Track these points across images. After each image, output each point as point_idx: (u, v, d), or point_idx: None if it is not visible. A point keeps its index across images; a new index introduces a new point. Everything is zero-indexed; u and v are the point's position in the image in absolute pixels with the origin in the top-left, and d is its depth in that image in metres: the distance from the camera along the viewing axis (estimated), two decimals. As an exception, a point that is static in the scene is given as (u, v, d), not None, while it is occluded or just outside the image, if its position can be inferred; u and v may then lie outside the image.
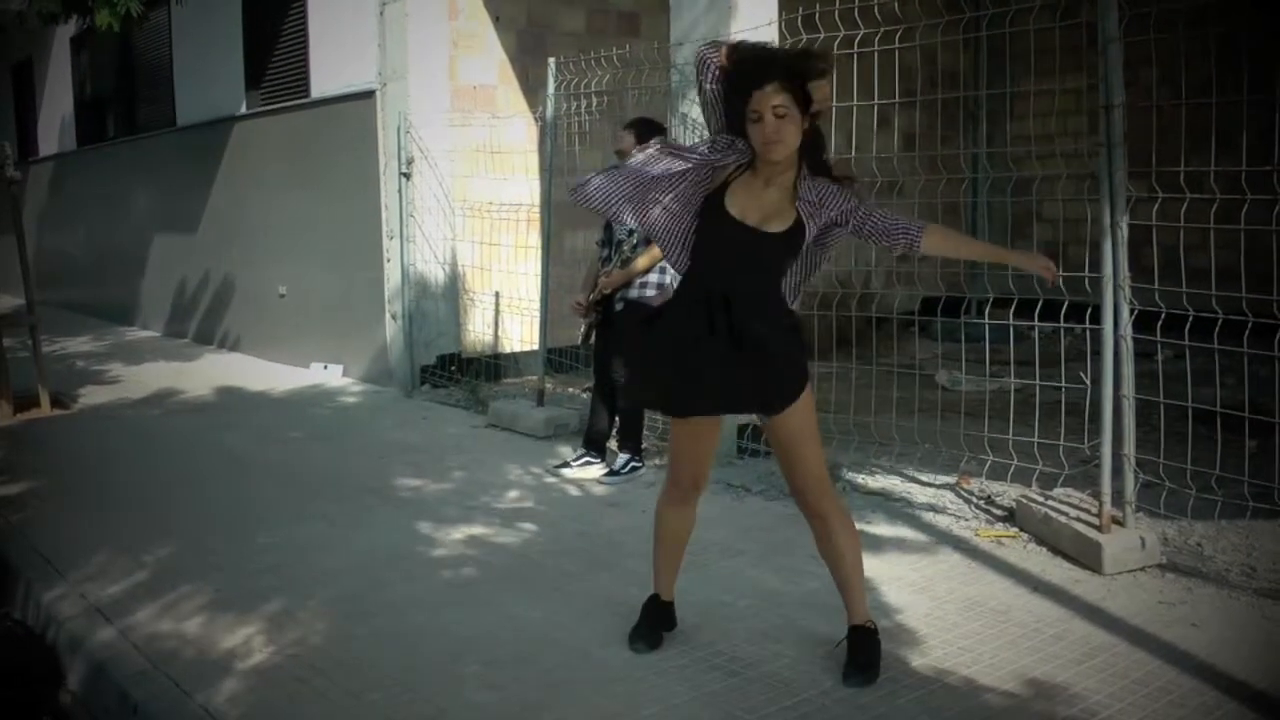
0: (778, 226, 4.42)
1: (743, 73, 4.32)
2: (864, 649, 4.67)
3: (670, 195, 4.49)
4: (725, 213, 4.44)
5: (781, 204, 4.44)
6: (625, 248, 7.71)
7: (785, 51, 4.69)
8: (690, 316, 4.51)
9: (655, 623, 5.07)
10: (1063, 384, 6.62)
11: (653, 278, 7.68)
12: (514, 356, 11.43)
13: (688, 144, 4.83)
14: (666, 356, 4.56)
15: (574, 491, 7.64)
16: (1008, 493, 6.87)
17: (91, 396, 11.61)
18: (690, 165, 4.47)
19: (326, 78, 12.30)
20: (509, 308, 11.12)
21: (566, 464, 8.08)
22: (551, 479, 7.92)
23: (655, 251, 7.62)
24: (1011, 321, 6.89)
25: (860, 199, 4.52)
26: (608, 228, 7.96)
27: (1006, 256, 4.83)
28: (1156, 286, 5.91)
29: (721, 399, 4.56)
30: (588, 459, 8.01)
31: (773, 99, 4.24)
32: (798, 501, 4.76)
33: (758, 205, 4.43)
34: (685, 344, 4.50)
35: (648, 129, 7.78)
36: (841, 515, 4.73)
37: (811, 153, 4.46)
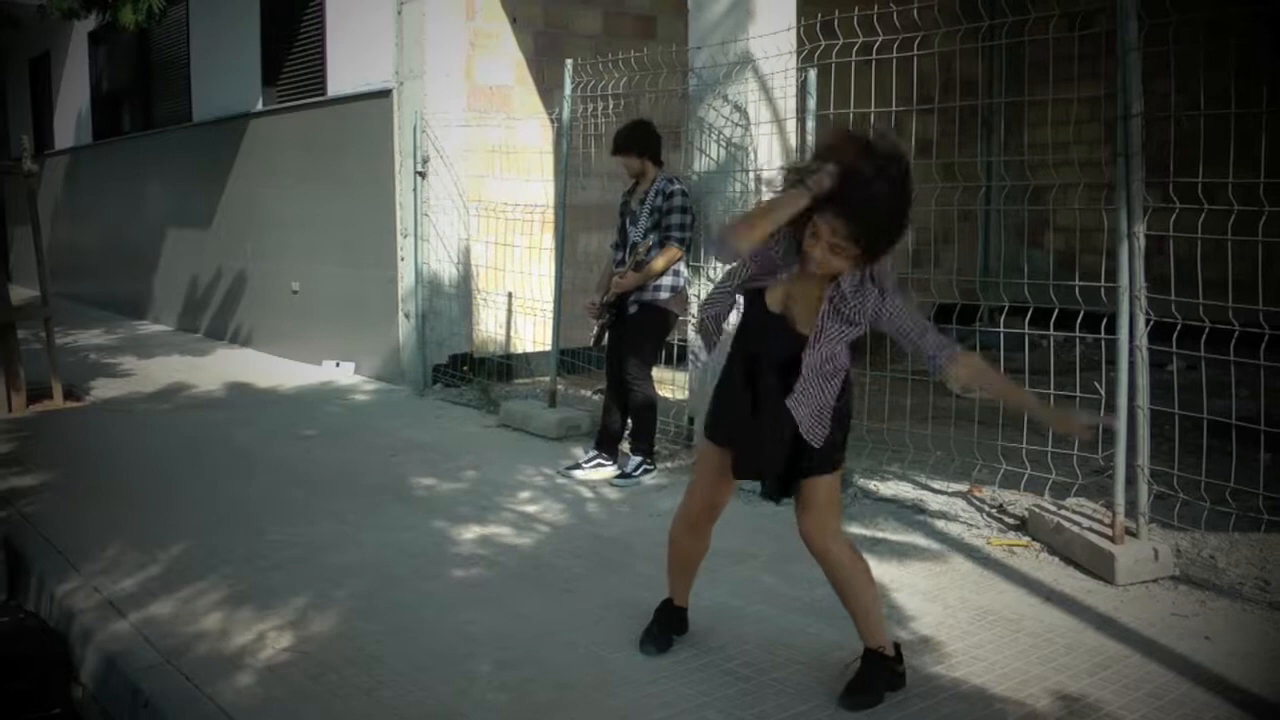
0: (805, 329, 4.39)
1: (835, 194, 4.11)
2: (866, 672, 4.60)
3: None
4: (762, 298, 4.48)
5: (816, 301, 4.39)
6: (640, 249, 7.71)
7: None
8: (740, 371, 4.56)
9: (666, 626, 5.07)
10: (1077, 394, 6.60)
11: (666, 280, 7.69)
12: (526, 357, 11.44)
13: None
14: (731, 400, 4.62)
15: (585, 493, 7.64)
16: (1020, 502, 6.86)
17: (104, 390, 11.64)
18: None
19: (343, 76, 12.32)
20: (522, 308, 11.12)
21: (578, 465, 8.08)
22: (563, 480, 7.92)
23: (671, 253, 7.63)
24: (1026, 330, 6.88)
25: (899, 295, 4.41)
26: (622, 229, 7.97)
27: (1040, 412, 4.67)
28: (1173, 297, 5.90)
29: (760, 459, 4.57)
30: (599, 460, 8.01)
31: (826, 237, 4.15)
32: (809, 548, 4.73)
33: (796, 296, 4.42)
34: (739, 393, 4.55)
35: (637, 140, 7.83)
36: (845, 556, 4.66)
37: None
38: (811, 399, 4.42)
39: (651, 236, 7.70)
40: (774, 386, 4.41)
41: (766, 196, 4.63)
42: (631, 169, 7.92)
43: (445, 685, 4.72)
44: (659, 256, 7.65)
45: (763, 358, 4.44)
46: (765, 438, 4.45)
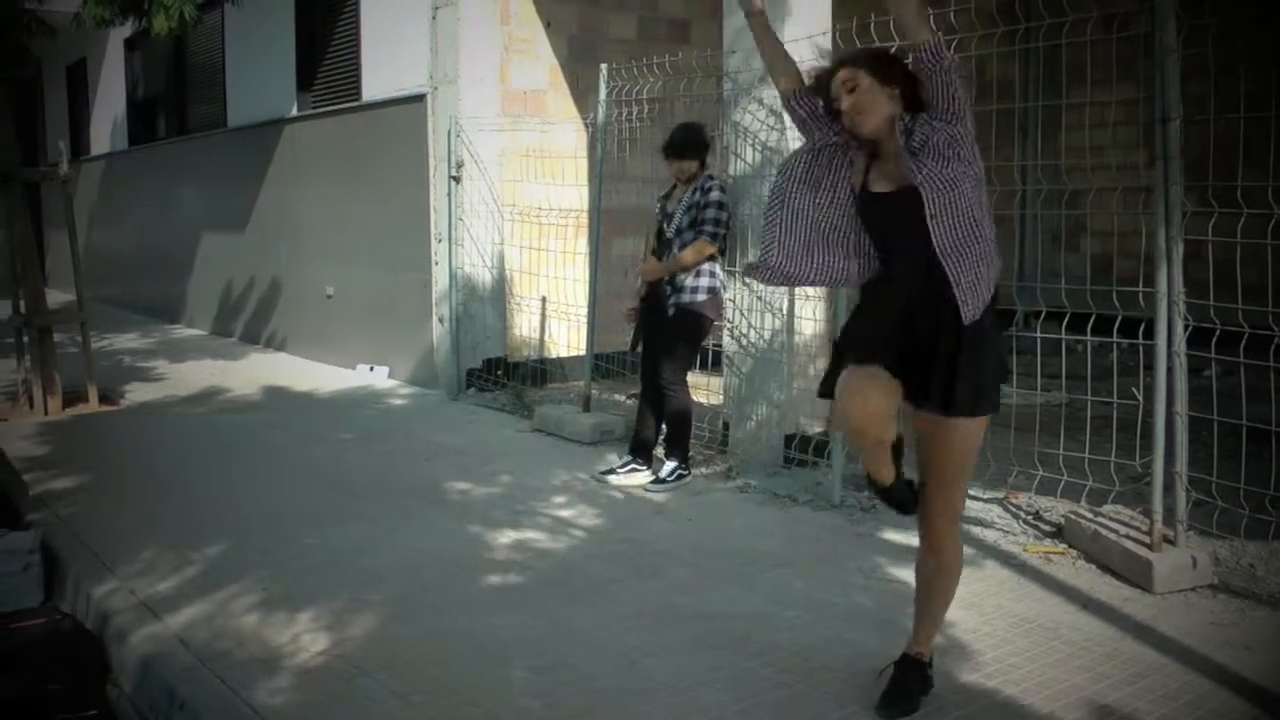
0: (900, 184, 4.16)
1: (817, 78, 4.32)
2: (906, 680, 4.51)
3: (829, 225, 4.35)
4: (869, 192, 4.28)
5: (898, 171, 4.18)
6: (675, 246, 7.70)
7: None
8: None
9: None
10: (1114, 399, 6.56)
11: (703, 282, 7.67)
12: (560, 361, 11.44)
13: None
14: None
15: (619, 498, 7.63)
16: (1056, 508, 6.83)
17: (138, 393, 11.70)
18: (809, 151, 4.40)
19: (378, 81, 12.35)
20: (556, 312, 11.12)
21: (612, 470, 8.07)
22: (597, 485, 7.91)
23: (701, 246, 7.61)
24: (1063, 335, 6.84)
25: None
26: (660, 232, 7.95)
27: None
28: (1211, 302, 5.86)
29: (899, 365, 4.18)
30: (634, 466, 8.00)
31: (840, 77, 4.17)
32: (922, 529, 4.49)
33: (886, 176, 4.24)
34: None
35: (694, 144, 7.80)
36: (956, 556, 4.51)
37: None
38: (960, 246, 4.07)
39: (687, 234, 7.69)
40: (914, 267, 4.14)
41: None
42: (686, 172, 7.87)
43: (479, 690, 4.71)
44: (689, 249, 7.63)
45: (892, 252, 4.24)
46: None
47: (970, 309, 4.05)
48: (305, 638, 5.26)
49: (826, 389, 4.34)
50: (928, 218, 4.01)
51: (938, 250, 4.03)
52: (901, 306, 4.20)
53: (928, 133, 4.04)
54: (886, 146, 4.22)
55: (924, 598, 4.54)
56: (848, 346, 4.35)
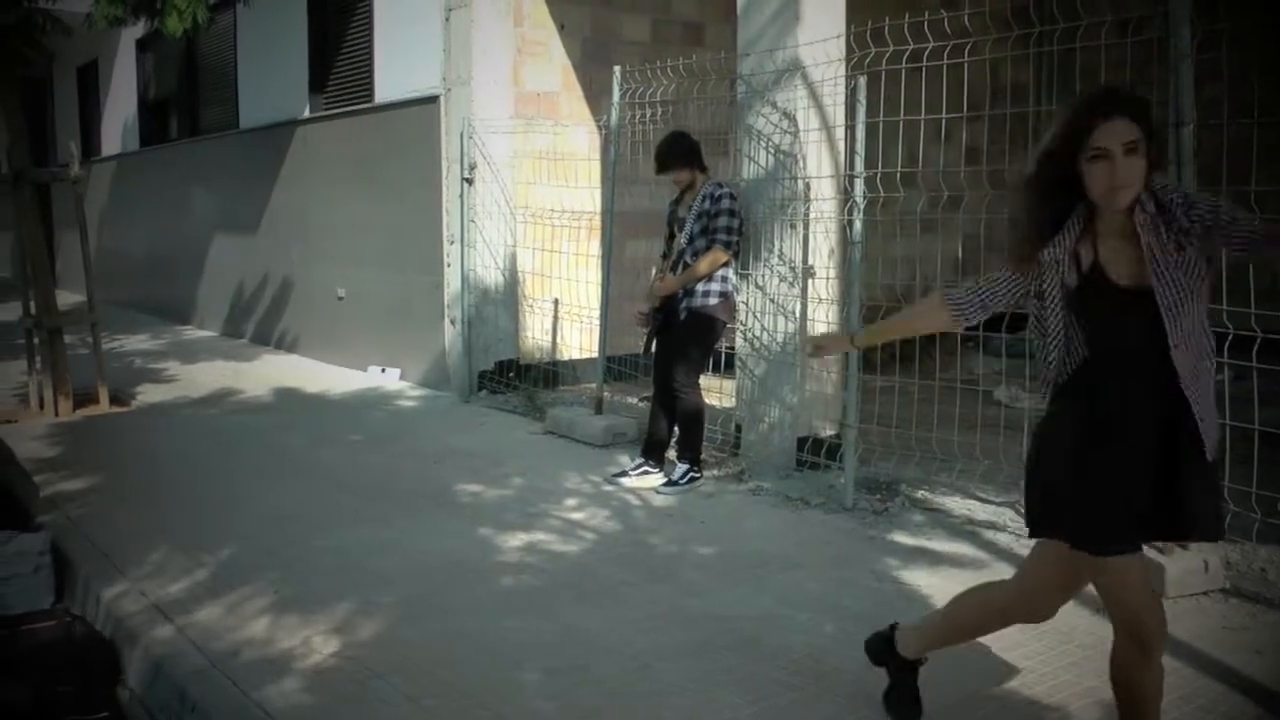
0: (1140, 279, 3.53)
1: (1082, 105, 3.58)
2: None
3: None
4: (1102, 277, 3.59)
5: (1131, 246, 3.56)
6: (687, 255, 7.71)
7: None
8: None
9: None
10: (1126, 403, 6.55)
11: (715, 286, 7.68)
12: (572, 364, 11.44)
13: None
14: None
15: (632, 501, 7.63)
16: (1069, 512, 6.81)
17: (150, 394, 11.72)
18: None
19: (391, 82, 12.36)
20: (568, 315, 11.12)
21: (625, 473, 8.07)
22: (609, 488, 7.91)
23: (715, 256, 7.61)
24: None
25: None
26: (670, 237, 7.97)
27: None
28: (1224, 306, 5.85)
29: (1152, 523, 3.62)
30: (646, 468, 8.00)
31: (1124, 134, 3.43)
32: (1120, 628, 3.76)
33: (1124, 260, 3.57)
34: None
35: (677, 154, 7.82)
36: (1161, 644, 3.73)
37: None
38: (1200, 377, 3.54)
39: (699, 242, 7.70)
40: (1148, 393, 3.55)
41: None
42: (682, 181, 7.91)
43: (491, 693, 4.72)
44: (703, 259, 7.64)
45: (1123, 358, 3.60)
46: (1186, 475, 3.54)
47: (1209, 441, 3.55)
48: (316, 639, 5.27)
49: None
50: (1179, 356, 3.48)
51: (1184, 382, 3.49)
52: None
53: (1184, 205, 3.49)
54: (1121, 223, 3.57)
55: (1125, 697, 3.82)
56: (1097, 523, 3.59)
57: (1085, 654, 5.00)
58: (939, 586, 5.87)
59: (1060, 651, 5.04)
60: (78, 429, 10.22)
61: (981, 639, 5.07)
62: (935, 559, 6.31)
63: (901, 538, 6.71)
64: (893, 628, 4.54)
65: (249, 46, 15.67)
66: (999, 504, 7.13)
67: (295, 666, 5.00)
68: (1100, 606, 5.49)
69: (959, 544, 6.57)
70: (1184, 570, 5.70)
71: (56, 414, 10.61)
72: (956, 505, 7.19)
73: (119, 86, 20.82)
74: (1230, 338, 5.84)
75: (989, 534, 6.72)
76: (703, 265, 7.65)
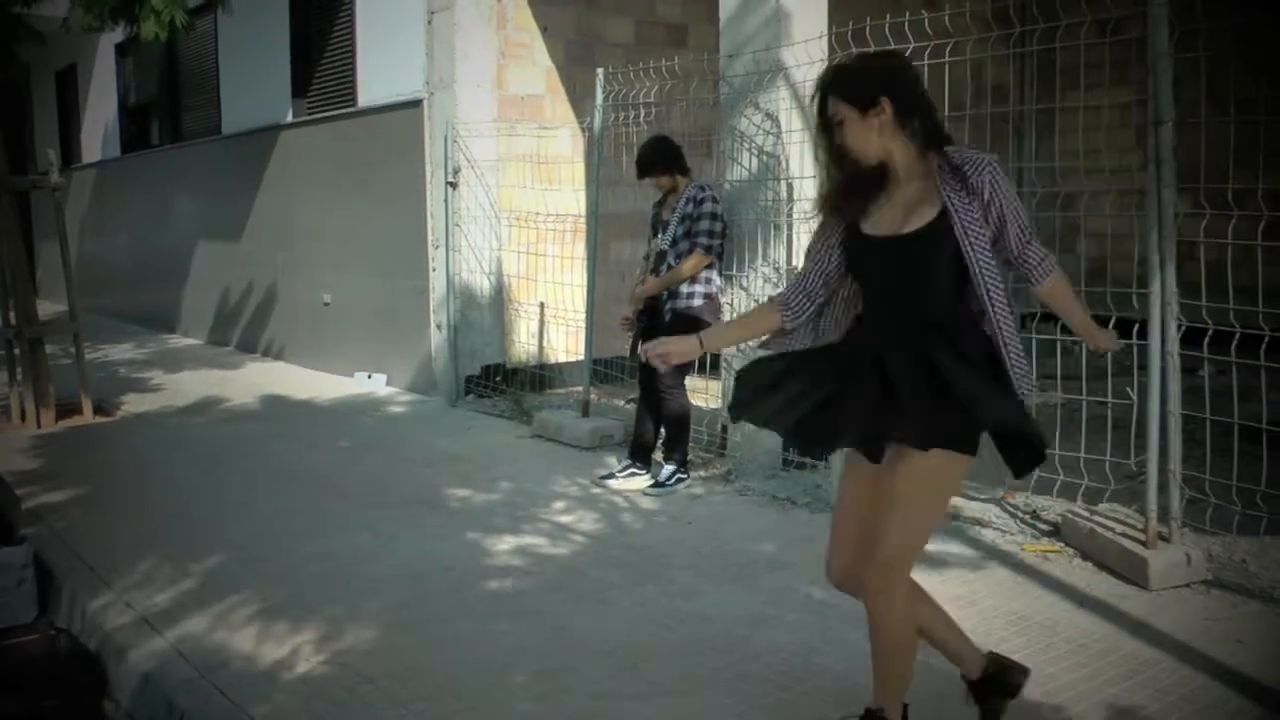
0: (914, 225, 3.81)
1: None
2: None
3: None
4: (859, 234, 3.92)
5: (916, 201, 3.83)
6: (670, 257, 7.74)
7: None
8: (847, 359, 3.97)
9: None
10: (1109, 399, 6.60)
11: (699, 288, 7.71)
12: (558, 367, 11.46)
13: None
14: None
15: (619, 503, 7.65)
16: (1053, 508, 6.86)
17: (134, 404, 11.71)
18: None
19: (374, 87, 12.38)
20: (554, 318, 11.14)
21: (612, 475, 8.09)
22: (597, 490, 7.93)
23: (697, 259, 7.64)
24: (1058, 336, 6.87)
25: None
26: (653, 238, 7.99)
27: (1093, 333, 4.14)
28: (1204, 303, 5.90)
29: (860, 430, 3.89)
30: (633, 470, 8.03)
31: (835, 109, 3.83)
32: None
33: (890, 212, 3.87)
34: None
35: (657, 159, 7.85)
36: (893, 618, 4.03)
37: (921, 133, 3.84)
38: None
39: (682, 244, 7.73)
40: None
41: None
42: (663, 186, 7.94)
43: (482, 696, 4.74)
44: (685, 262, 7.67)
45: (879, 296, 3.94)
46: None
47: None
48: (306, 647, 5.28)
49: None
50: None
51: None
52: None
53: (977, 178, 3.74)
54: (908, 184, 3.88)
55: (873, 654, 4.18)
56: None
57: (1069, 648, 5.05)
58: (925, 583, 5.87)
59: (1045, 645, 5.08)
60: (61, 440, 10.21)
61: (970, 635, 5.12)
62: (922, 556, 6.33)
63: (888, 536, 6.74)
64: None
65: (230, 51, 15.65)
66: (984, 500, 7.17)
67: (284, 675, 5.01)
68: (1081, 601, 5.58)
69: (946, 541, 6.60)
70: (1167, 563, 5.75)
71: (39, 425, 10.55)
72: (942, 503, 7.22)
73: (99, 92, 20.78)
74: (1210, 333, 5.90)
75: (974, 530, 6.76)
76: (685, 268, 7.67)
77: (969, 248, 3.72)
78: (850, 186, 3.94)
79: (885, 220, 3.87)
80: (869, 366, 3.85)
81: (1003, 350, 3.79)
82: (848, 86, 3.86)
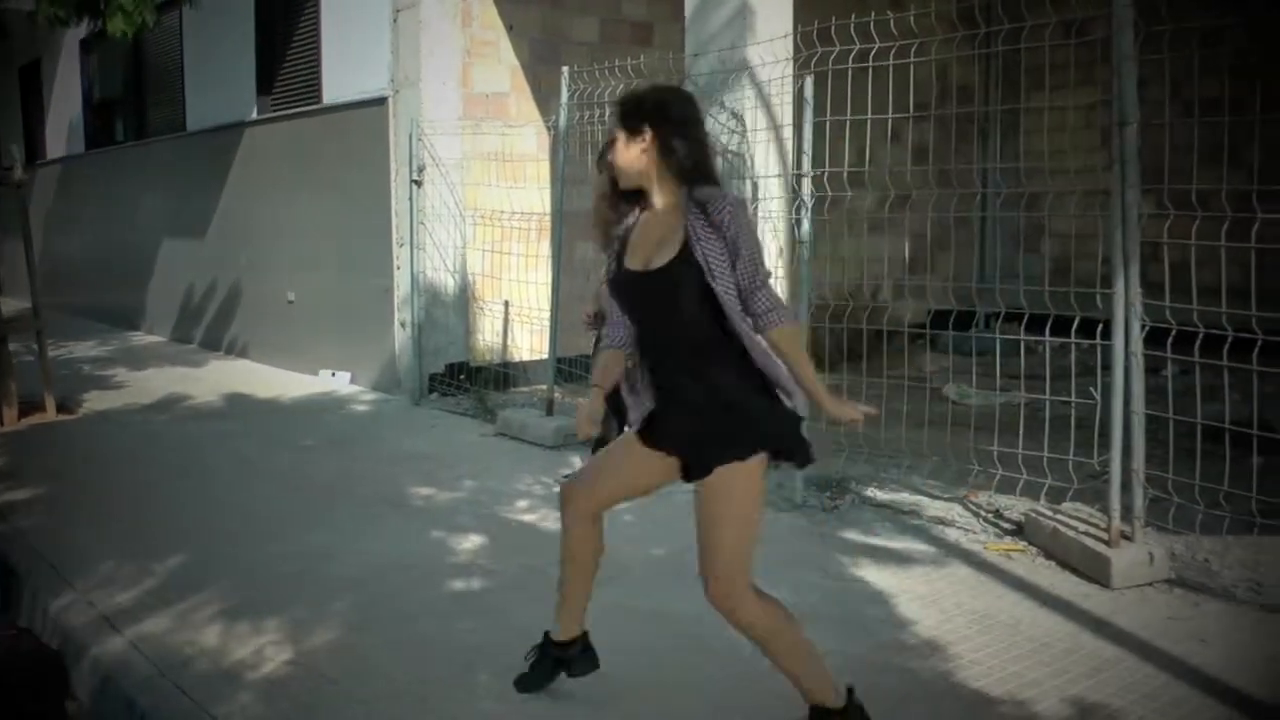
0: (661, 260, 4.05)
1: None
2: None
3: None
4: (621, 267, 4.25)
5: (666, 235, 4.07)
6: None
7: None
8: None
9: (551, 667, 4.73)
10: (1072, 399, 6.63)
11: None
12: (523, 365, 11.45)
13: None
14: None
15: (583, 501, 7.62)
16: (1016, 507, 6.89)
17: (97, 401, 11.63)
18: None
19: (338, 84, 12.33)
20: (518, 316, 11.12)
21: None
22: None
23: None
24: (1022, 336, 6.90)
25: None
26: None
27: (820, 397, 4.14)
28: (1167, 303, 5.92)
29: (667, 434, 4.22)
30: (596, 468, 8.00)
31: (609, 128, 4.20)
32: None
33: (643, 246, 4.16)
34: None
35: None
36: (751, 615, 4.15)
37: (678, 168, 4.10)
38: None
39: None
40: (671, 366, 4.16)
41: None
42: None
43: (445, 696, 4.73)
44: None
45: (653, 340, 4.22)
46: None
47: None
48: (270, 647, 5.25)
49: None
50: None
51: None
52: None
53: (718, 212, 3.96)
54: (661, 213, 4.17)
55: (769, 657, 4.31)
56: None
57: (1032, 646, 5.06)
58: (888, 582, 5.92)
59: (1008, 644, 5.10)
60: (23, 438, 10.13)
61: (933, 634, 5.14)
62: (885, 555, 6.36)
63: (852, 535, 6.75)
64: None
65: (195, 47, 15.57)
66: (948, 499, 7.19)
67: (248, 675, 4.98)
68: (1044, 599, 5.60)
69: (909, 540, 6.62)
70: (1130, 562, 5.77)
71: (1, 423, 10.47)
72: (906, 501, 7.25)
73: (63, 87, 20.62)
74: (1173, 334, 5.93)
75: (937, 529, 6.78)
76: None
77: (712, 280, 3.93)
78: (611, 198, 4.36)
79: (639, 254, 4.15)
80: (651, 387, 4.24)
81: (765, 369, 4.02)
82: (622, 110, 4.21)
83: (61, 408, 11.06)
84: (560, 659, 4.68)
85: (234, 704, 4.70)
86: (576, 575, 4.68)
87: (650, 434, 4.28)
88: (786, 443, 4.13)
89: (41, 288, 11.49)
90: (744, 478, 4.04)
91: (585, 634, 4.70)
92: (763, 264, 4.02)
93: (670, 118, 4.10)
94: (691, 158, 4.07)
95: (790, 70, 7.67)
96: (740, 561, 4.14)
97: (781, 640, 4.20)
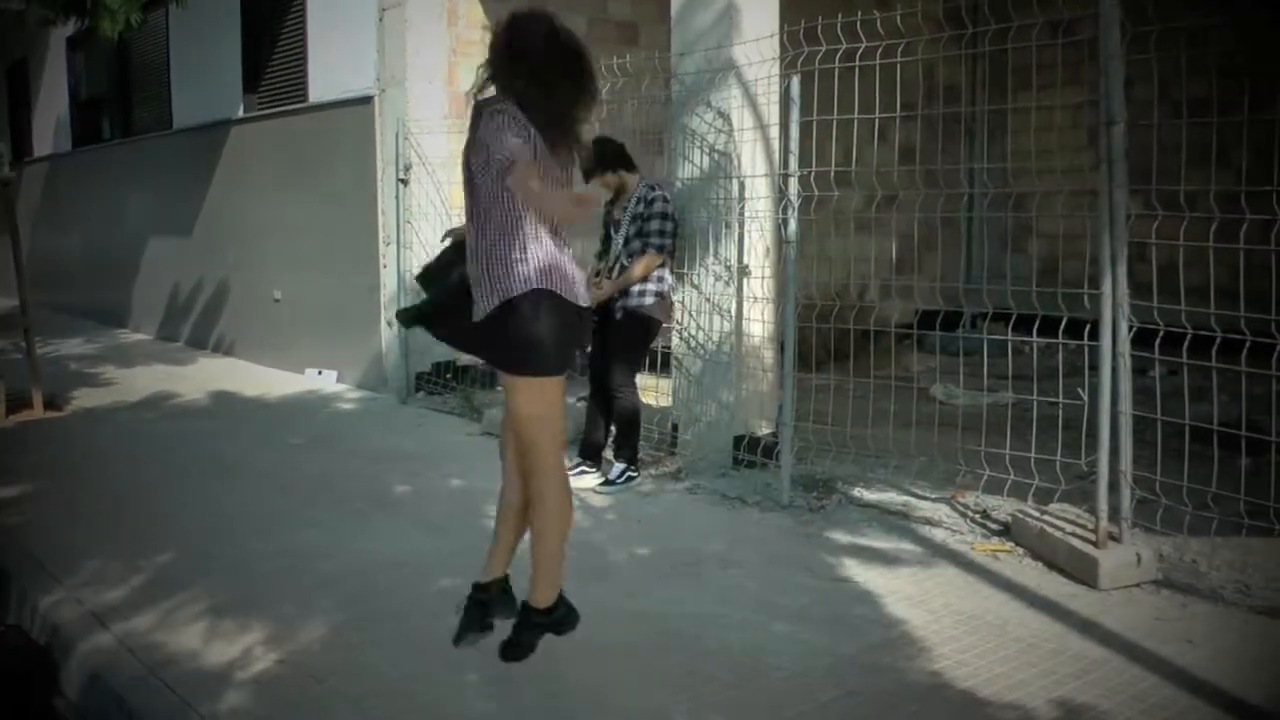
0: None
1: None
2: (524, 628, 4.72)
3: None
4: None
5: None
6: (624, 258, 7.73)
7: None
8: None
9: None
10: (1060, 399, 6.63)
11: (650, 286, 7.71)
12: (509, 364, 11.40)
13: None
14: None
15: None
16: (1004, 507, 6.88)
17: (85, 399, 11.61)
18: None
19: (325, 83, 12.31)
20: (505, 315, 11.08)
21: (562, 473, 8.07)
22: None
23: (649, 260, 7.64)
24: (1009, 336, 6.91)
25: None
26: (606, 238, 7.98)
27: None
28: (1155, 304, 5.93)
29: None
30: (583, 469, 8.01)
31: None
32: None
33: None
34: None
35: (610, 156, 7.83)
36: (550, 487, 4.66)
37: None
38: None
39: (634, 244, 7.72)
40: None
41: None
42: (610, 185, 7.92)
43: (433, 694, 4.72)
44: (637, 263, 7.67)
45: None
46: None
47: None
48: (258, 645, 5.24)
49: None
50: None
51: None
52: None
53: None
54: None
55: (533, 542, 4.77)
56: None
57: (1019, 647, 5.06)
58: (876, 582, 5.92)
59: (995, 645, 5.09)
60: (11, 435, 10.11)
61: (920, 634, 5.14)
62: (872, 555, 6.36)
63: (838, 535, 6.75)
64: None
65: (181, 45, 15.53)
66: (935, 499, 7.19)
67: (236, 673, 4.96)
68: (1032, 600, 5.60)
69: (895, 540, 6.62)
70: (1117, 563, 5.78)
71: (-11, 420, 10.49)
72: (893, 501, 7.25)
73: (50, 86, 20.57)
74: (1161, 334, 5.93)
75: (924, 529, 6.78)
76: (637, 270, 7.67)
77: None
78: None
79: None
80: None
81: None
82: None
83: (49, 405, 11.04)
84: (480, 600, 4.87)
85: (222, 701, 4.69)
86: (508, 519, 4.87)
87: None
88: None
89: (29, 285, 11.47)
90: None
91: (506, 577, 4.92)
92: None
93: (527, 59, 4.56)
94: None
95: (777, 69, 7.67)
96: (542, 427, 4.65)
97: (552, 530, 4.69)
